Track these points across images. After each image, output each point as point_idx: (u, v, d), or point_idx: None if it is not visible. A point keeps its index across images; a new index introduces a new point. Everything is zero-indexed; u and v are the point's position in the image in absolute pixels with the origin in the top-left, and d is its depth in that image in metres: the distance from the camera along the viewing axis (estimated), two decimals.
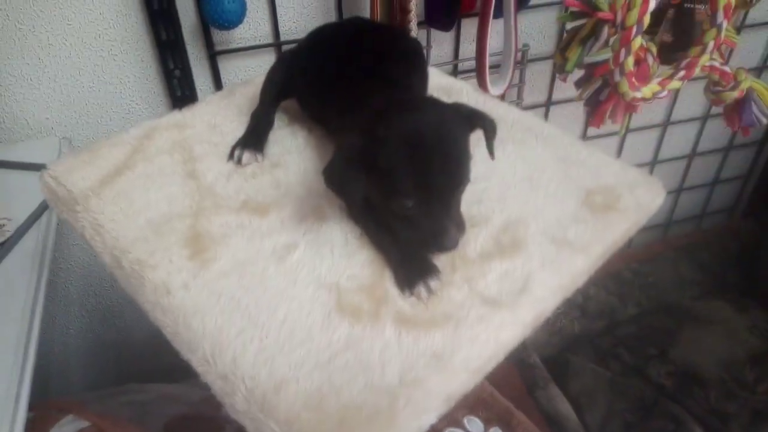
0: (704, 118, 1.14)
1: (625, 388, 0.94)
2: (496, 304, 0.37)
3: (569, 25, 0.78)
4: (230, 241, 0.40)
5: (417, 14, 0.76)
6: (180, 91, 0.80)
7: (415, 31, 0.74)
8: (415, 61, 0.50)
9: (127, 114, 0.82)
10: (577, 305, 1.08)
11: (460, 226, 0.37)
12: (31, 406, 0.69)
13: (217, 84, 0.81)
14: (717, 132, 1.21)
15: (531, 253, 0.40)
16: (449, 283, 0.37)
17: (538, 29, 0.91)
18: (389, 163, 0.35)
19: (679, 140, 1.19)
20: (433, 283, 0.36)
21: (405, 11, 0.72)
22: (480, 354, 0.34)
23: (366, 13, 0.75)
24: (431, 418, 0.32)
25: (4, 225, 0.65)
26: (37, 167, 0.46)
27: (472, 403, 0.77)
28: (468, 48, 0.87)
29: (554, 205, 0.43)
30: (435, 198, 0.35)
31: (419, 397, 0.32)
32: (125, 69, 0.78)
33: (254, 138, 0.48)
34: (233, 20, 0.71)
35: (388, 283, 0.38)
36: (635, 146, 1.15)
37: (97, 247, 0.41)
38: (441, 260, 0.39)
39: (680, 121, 1.14)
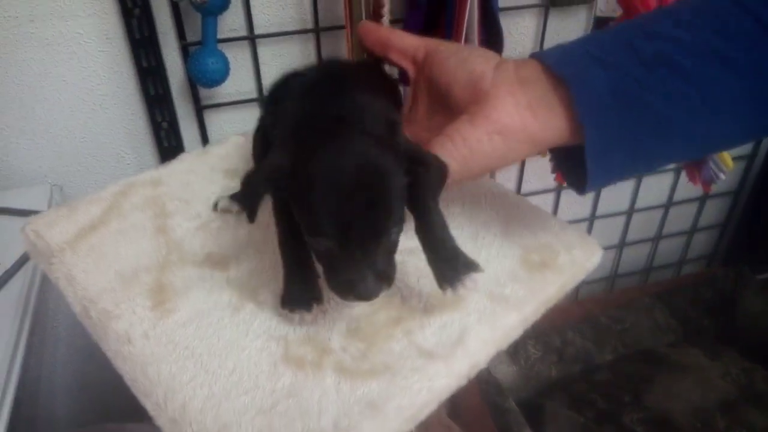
0: (678, 169, 1.19)
1: None
2: (431, 355, 0.39)
3: None
4: (190, 293, 0.43)
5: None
6: (167, 143, 0.84)
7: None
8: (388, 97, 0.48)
9: (117, 163, 0.86)
10: (555, 349, 1.10)
11: (384, 275, 0.35)
12: None
13: (204, 135, 0.86)
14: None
15: (469, 308, 0.43)
16: (389, 336, 0.41)
17: None
18: (312, 200, 0.33)
19: (655, 190, 1.23)
20: (308, 317, 0.39)
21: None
22: (413, 402, 0.37)
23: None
24: None
25: None
26: (27, 213, 0.50)
27: None
28: None
29: (495, 262, 0.46)
30: (356, 244, 0.34)
31: None
32: (115, 121, 0.83)
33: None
34: (217, 79, 0.76)
35: (332, 334, 0.41)
36: (610, 196, 1.19)
37: (69, 297, 0.44)
38: (390, 312, 0.42)
39: (656, 173, 1.18)
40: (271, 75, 0.85)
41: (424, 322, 0.42)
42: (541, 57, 0.40)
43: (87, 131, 0.82)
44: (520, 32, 0.93)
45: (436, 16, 0.78)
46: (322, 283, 0.38)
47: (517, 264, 0.47)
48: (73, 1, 0.73)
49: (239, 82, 0.84)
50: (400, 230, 0.37)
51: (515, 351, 1.07)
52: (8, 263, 0.69)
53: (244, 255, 0.47)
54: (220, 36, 0.78)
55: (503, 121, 0.39)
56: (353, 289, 0.35)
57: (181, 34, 0.78)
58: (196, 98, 0.83)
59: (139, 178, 0.55)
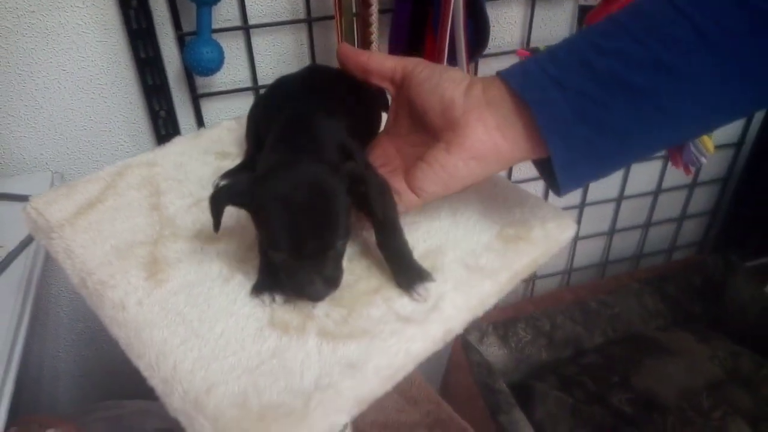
0: (667, 157, 1.21)
1: (587, 414, 0.98)
2: (408, 320, 0.42)
3: None
4: (182, 265, 0.46)
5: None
6: (165, 130, 0.87)
7: None
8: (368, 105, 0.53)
9: (116, 150, 0.89)
10: (545, 333, 1.13)
11: (331, 280, 0.41)
12: (16, 422, 0.74)
13: (200, 123, 0.89)
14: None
15: (446, 276, 0.45)
16: (368, 303, 0.43)
17: None
18: (268, 220, 0.39)
19: (645, 177, 1.26)
20: (278, 298, 0.43)
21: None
22: (390, 363, 0.39)
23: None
24: (342, 419, 0.37)
25: None
26: (28, 198, 0.52)
27: (431, 422, 0.82)
28: None
29: (472, 236, 0.49)
30: (306, 256, 0.39)
31: (331, 399, 0.37)
32: (114, 110, 0.85)
33: None
34: (212, 68, 0.78)
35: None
36: (600, 184, 1.21)
37: (68, 270, 0.46)
38: (370, 282, 0.45)
39: (645, 160, 1.20)
40: (265, 64, 0.88)
41: (402, 292, 0.44)
42: (506, 77, 0.42)
43: (87, 120, 0.85)
44: (507, 22, 0.95)
45: (425, 8, 0.81)
46: None
47: (493, 237, 0.49)
48: None
49: (234, 71, 0.87)
50: (345, 242, 0.42)
51: (506, 334, 1.10)
52: (10, 246, 0.71)
53: (234, 232, 0.49)
54: (214, 26, 0.80)
55: (476, 148, 0.43)
56: (304, 292, 0.41)
57: (177, 24, 0.80)
58: (192, 87, 0.86)
59: (135, 159, 0.57)
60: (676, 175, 1.26)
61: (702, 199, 1.35)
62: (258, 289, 0.43)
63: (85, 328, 1.04)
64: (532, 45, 0.96)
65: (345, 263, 0.44)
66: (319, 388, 0.38)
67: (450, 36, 0.79)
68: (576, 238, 1.28)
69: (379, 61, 0.48)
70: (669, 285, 1.23)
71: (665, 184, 1.27)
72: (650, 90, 0.39)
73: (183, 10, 0.79)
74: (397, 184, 0.46)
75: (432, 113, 0.45)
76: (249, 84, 0.88)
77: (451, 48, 0.80)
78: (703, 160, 0.84)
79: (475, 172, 0.44)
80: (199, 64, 0.77)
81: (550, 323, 1.13)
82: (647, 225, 1.33)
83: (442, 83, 0.44)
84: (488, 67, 0.97)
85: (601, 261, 1.36)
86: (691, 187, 1.30)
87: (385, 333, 0.41)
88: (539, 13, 0.95)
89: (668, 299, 1.21)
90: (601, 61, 0.39)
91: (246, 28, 0.83)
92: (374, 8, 0.75)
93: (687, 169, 0.86)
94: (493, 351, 1.08)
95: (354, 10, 0.78)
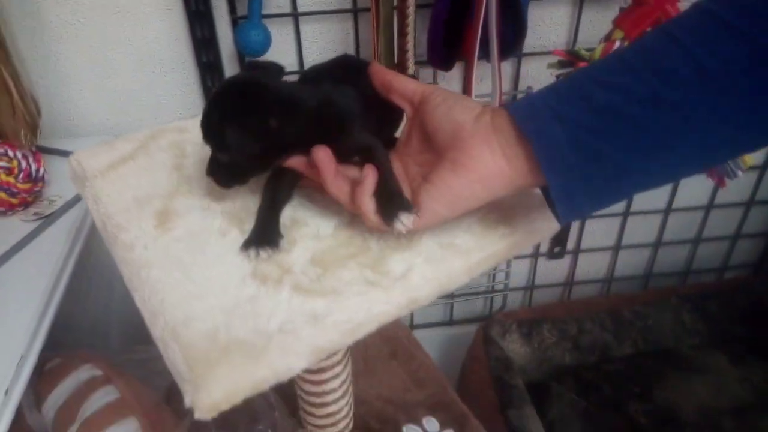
0: None
1: (600, 419, 0.98)
2: (375, 284, 0.46)
3: (557, 72, 0.86)
4: (189, 216, 0.51)
5: (418, 54, 0.87)
6: None
7: (412, 69, 0.84)
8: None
9: (171, 120, 0.96)
10: (571, 337, 1.12)
11: (215, 176, 0.50)
12: (60, 354, 0.84)
13: None
14: (740, 185, 1.22)
15: (420, 251, 0.48)
16: (342, 266, 0.47)
17: (546, 73, 0.99)
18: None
19: (696, 191, 1.22)
20: (264, 253, 0.47)
21: (403, 51, 0.83)
22: (350, 319, 0.43)
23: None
24: (300, 363, 0.42)
25: (55, 200, 0.80)
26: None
27: (433, 404, 0.85)
28: (476, 87, 0.96)
29: (453, 221, 0.51)
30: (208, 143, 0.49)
31: (290, 343, 0.41)
32: (173, 84, 0.93)
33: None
34: (258, 50, 0.84)
35: (298, 260, 0.48)
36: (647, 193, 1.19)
37: (93, 214, 0.53)
38: (350, 249, 0.49)
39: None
40: (312, 50, 0.93)
41: (377, 260, 0.48)
42: (511, 109, 0.44)
43: (148, 91, 0.93)
44: (554, 22, 0.95)
45: (464, 3, 0.83)
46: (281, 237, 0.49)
47: (475, 221, 0.52)
48: None
49: (282, 55, 0.93)
50: (233, 158, 0.48)
51: (530, 333, 1.11)
52: (68, 197, 0.81)
53: (239, 193, 0.54)
54: (267, 12, 0.86)
55: (481, 171, 0.44)
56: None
57: (232, 8, 0.87)
58: (243, 67, 0.92)
59: (169, 125, 0.64)
60: (732, 192, 1.22)
61: (759, 219, 1.29)
62: (246, 245, 0.48)
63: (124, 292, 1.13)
64: (579, 46, 0.96)
65: (330, 230, 0.49)
66: (282, 332, 0.42)
67: (485, 33, 0.81)
68: (618, 247, 1.27)
69: (402, 83, 0.50)
70: (711, 303, 1.19)
71: (719, 200, 1.23)
72: (648, 123, 0.39)
73: None
74: None
75: (442, 133, 0.46)
76: (296, 68, 0.94)
77: (486, 45, 0.82)
78: (740, 173, 0.81)
79: (479, 195, 0.45)
80: (247, 46, 0.84)
81: (577, 327, 1.13)
82: (697, 241, 1.29)
83: (456, 107, 0.46)
84: (531, 66, 0.99)
85: (645, 273, 1.33)
86: (748, 205, 1.25)
87: (351, 293, 0.45)
88: (587, 14, 0.95)
89: (708, 318, 1.18)
90: (600, 94, 0.40)
91: (295, 15, 0.89)
92: (411, 1, 0.79)
93: (721, 182, 0.84)
94: (515, 348, 1.09)
95: (394, 3, 0.82)
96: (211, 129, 0.48)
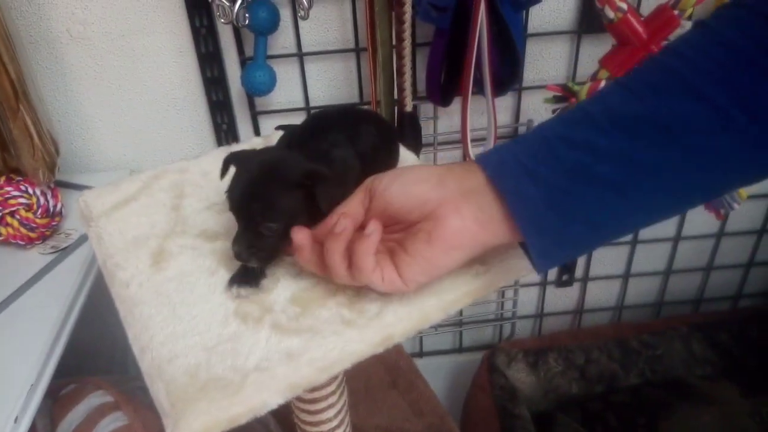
0: None
1: None
2: (350, 324, 0.48)
3: (554, 107, 0.88)
4: (181, 257, 0.55)
5: (419, 90, 0.90)
6: (226, 141, 0.99)
7: (410, 106, 0.87)
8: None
9: (185, 156, 1.00)
10: (577, 366, 1.12)
11: (251, 252, 0.49)
12: (75, 379, 0.88)
13: (257, 136, 0.99)
14: (753, 213, 1.22)
15: None
16: (321, 305, 0.50)
17: (545, 106, 1.01)
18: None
19: (707, 218, 1.21)
20: (244, 291, 0.49)
21: (401, 90, 0.86)
22: (324, 357, 0.46)
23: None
24: (275, 399, 0.44)
25: (71, 234, 0.85)
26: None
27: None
28: (476, 120, 0.98)
29: None
30: (242, 219, 0.49)
31: (265, 380, 0.44)
32: (185, 121, 0.98)
33: None
34: (263, 90, 0.88)
35: (278, 299, 0.50)
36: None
37: (96, 252, 0.57)
38: (329, 286, 0.51)
39: None
40: (316, 87, 0.97)
41: (353, 298, 0.50)
42: (482, 164, 0.45)
43: (162, 128, 0.98)
44: (552, 57, 0.97)
45: (461, 41, 0.86)
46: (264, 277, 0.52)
47: None
48: (154, 20, 0.89)
49: (288, 93, 0.97)
50: (278, 227, 0.48)
51: (536, 362, 1.11)
52: (83, 230, 0.85)
53: (231, 233, 0.57)
54: (273, 52, 0.91)
55: (455, 239, 0.45)
56: (233, 248, 0.50)
57: (240, 49, 0.92)
58: (251, 105, 0.97)
59: (172, 166, 0.67)
60: (744, 220, 1.21)
61: None
62: (231, 283, 0.51)
63: None
64: (575, 80, 0.98)
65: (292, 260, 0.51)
66: (258, 369, 0.45)
67: (480, 69, 0.83)
68: (627, 275, 1.26)
69: (345, 207, 0.49)
70: (722, 333, 1.18)
71: (731, 228, 1.22)
72: (616, 181, 0.41)
73: (245, 37, 0.91)
74: (389, 272, 0.47)
75: (405, 211, 0.47)
76: (302, 104, 0.98)
77: (481, 81, 0.85)
78: (736, 205, 0.82)
79: (457, 259, 0.46)
80: (253, 86, 0.88)
81: (584, 357, 1.13)
82: (708, 269, 1.28)
83: (408, 182, 0.46)
84: (531, 99, 1.01)
85: (657, 301, 1.33)
86: (760, 233, 1.23)
87: (327, 332, 0.47)
88: (585, 48, 0.97)
89: (719, 347, 1.16)
90: (569, 154, 0.42)
91: (300, 55, 0.93)
92: (407, 42, 0.82)
93: (718, 214, 0.84)
94: (521, 377, 1.10)
95: (393, 43, 0.85)
96: (255, 198, 0.48)
